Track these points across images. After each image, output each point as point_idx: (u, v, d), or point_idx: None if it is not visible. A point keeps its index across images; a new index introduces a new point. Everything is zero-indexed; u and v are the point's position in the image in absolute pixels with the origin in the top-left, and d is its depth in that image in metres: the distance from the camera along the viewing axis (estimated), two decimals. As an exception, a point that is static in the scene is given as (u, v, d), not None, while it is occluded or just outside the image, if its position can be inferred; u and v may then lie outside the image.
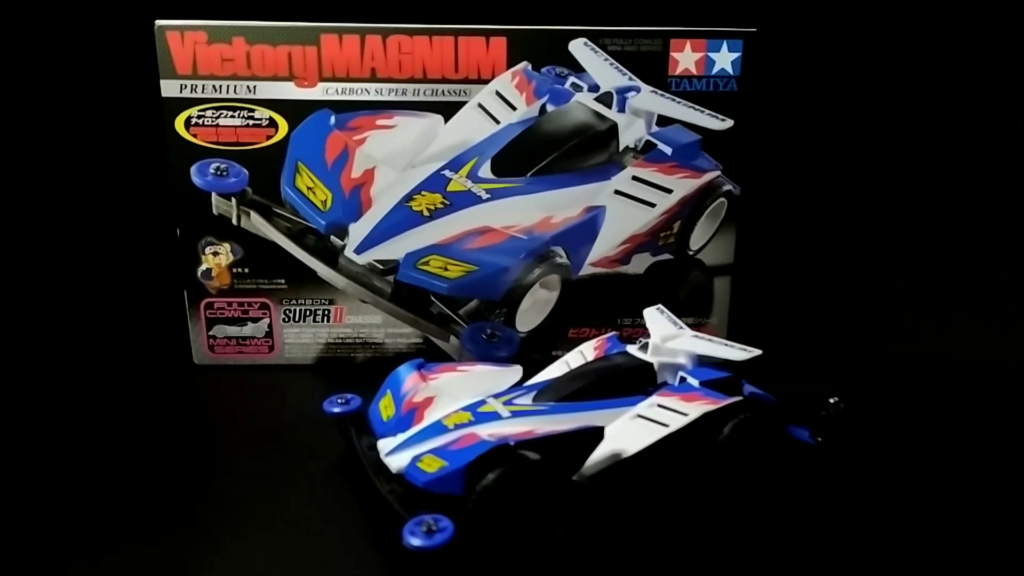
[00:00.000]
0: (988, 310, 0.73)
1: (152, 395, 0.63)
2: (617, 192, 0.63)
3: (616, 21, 0.61)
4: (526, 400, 0.49)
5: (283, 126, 0.61)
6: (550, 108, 0.62)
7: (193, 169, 0.62)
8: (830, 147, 0.74)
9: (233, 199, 0.63)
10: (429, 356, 0.66)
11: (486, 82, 0.61)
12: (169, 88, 0.60)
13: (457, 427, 0.47)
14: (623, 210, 0.64)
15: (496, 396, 0.50)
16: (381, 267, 0.64)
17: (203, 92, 0.60)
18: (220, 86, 0.60)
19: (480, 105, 0.62)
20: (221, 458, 0.56)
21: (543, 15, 0.61)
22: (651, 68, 0.61)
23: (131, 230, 0.77)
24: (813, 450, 0.50)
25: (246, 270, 0.64)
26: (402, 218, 0.63)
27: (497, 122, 0.62)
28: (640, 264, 0.66)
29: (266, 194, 0.63)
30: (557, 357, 0.67)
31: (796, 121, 0.72)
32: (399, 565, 0.42)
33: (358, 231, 0.63)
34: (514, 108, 0.62)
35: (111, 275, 0.80)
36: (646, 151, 0.63)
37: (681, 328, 0.54)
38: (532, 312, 0.66)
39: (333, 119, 0.61)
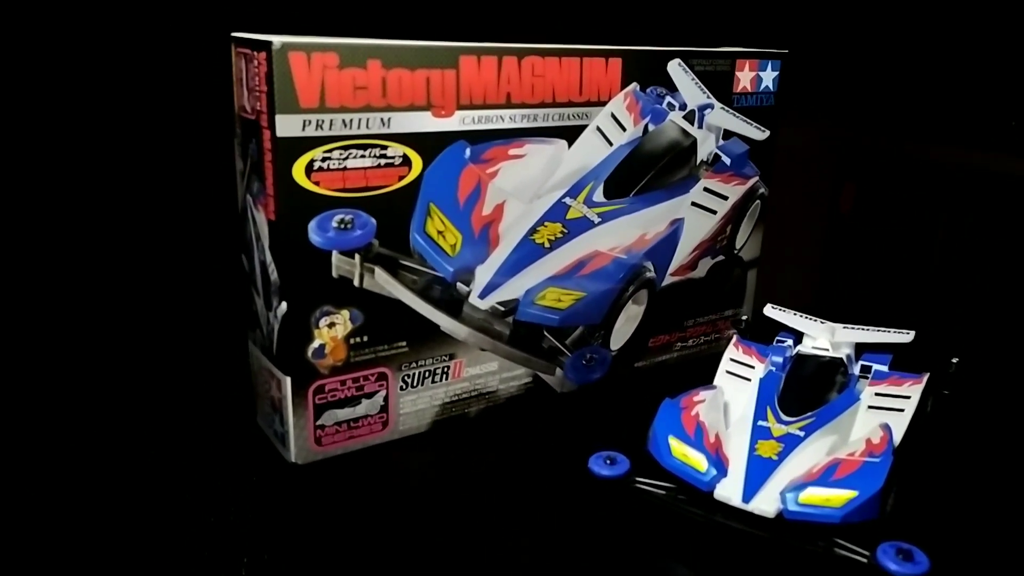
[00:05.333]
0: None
1: (281, 516, 0.49)
2: (693, 204, 0.67)
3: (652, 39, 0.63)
4: (785, 416, 0.51)
5: (417, 164, 0.52)
6: (651, 127, 0.63)
7: (312, 225, 0.49)
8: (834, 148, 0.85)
9: (357, 256, 0.51)
10: (537, 394, 0.63)
11: (603, 104, 0.59)
12: (288, 126, 0.46)
13: (780, 456, 0.47)
14: (695, 219, 0.67)
15: (762, 419, 0.51)
16: (502, 309, 0.58)
17: (330, 128, 0.48)
18: (351, 120, 0.48)
19: (598, 128, 0.59)
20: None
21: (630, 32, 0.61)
22: (720, 86, 0.65)
23: (202, 316, 0.58)
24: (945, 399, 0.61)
25: (364, 338, 0.53)
26: (526, 253, 0.58)
27: (611, 144, 0.61)
28: (703, 268, 0.70)
29: (391, 244, 0.53)
30: (639, 369, 0.69)
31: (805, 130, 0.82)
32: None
33: (484, 273, 0.57)
34: (624, 129, 0.61)
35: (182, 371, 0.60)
36: (713, 163, 0.68)
37: (822, 322, 0.61)
38: (624, 328, 0.66)
39: (468, 151, 0.54)
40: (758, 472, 0.47)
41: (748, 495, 0.46)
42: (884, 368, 0.58)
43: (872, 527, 0.44)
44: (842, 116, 0.87)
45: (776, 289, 0.83)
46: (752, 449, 0.48)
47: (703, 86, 0.64)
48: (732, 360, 0.60)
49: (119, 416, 0.58)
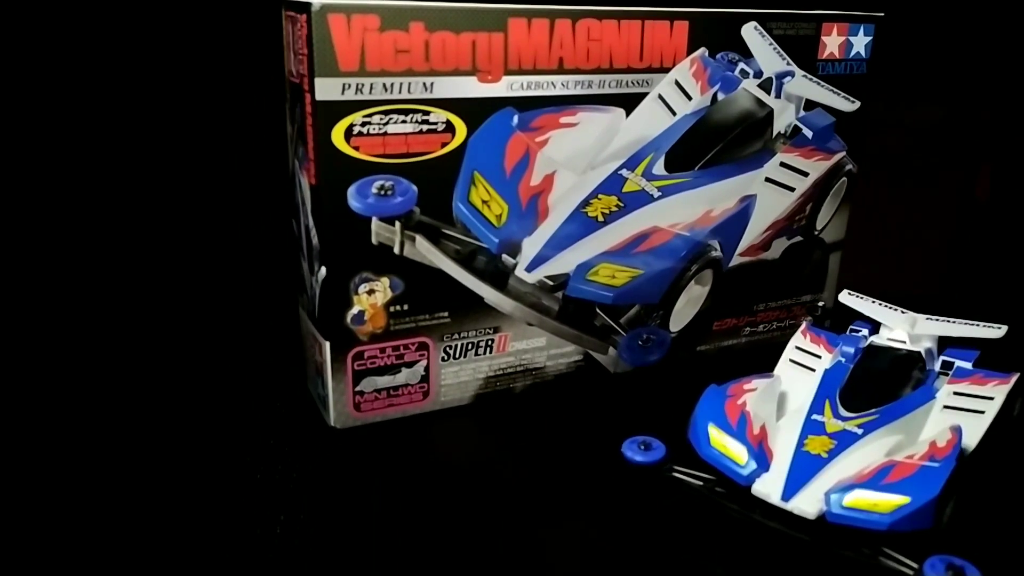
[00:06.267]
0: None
1: (308, 473, 0.50)
2: (767, 179, 0.62)
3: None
4: (844, 412, 0.47)
5: (461, 130, 0.50)
6: (720, 96, 0.59)
7: (352, 190, 0.49)
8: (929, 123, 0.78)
9: (397, 223, 0.51)
10: (588, 373, 0.61)
11: (667, 70, 0.56)
12: (327, 90, 0.46)
13: (831, 453, 0.44)
14: (769, 196, 0.63)
15: (817, 412, 0.47)
16: (551, 283, 0.56)
17: (371, 93, 0.47)
18: (392, 84, 0.48)
19: (660, 96, 0.56)
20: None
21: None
22: (803, 52, 0.61)
23: (251, 272, 0.60)
24: None
25: (404, 307, 0.53)
26: (577, 226, 0.56)
27: (674, 113, 0.57)
28: (777, 249, 0.66)
29: (434, 213, 0.52)
30: (702, 353, 0.66)
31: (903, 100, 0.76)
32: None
33: (531, 246, 0.55)
34: (690, 98, 0.57)
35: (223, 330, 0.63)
36: (792, 136, 0.63)
37: (903, 312, 0.56)
38: (685, 309, 0.63)
39: (516, 119, 0.52)
40: (803, 469, 0.43)
41: (788, 493, 0.42)
42: (968, 365, 0.52)
43: (925, 538, 0.40)
44: (976, 91, 0.79)
45: (896, 278, 0.77)
46: (800, 444, 0.45)
47: (782, 52, 0.60)
48: (798, 348, 0.56)
49: (174, 378, 0.60)
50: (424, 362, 0.55)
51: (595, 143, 0.55)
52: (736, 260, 0.64)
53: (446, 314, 0.54)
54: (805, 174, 0.64)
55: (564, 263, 0.56)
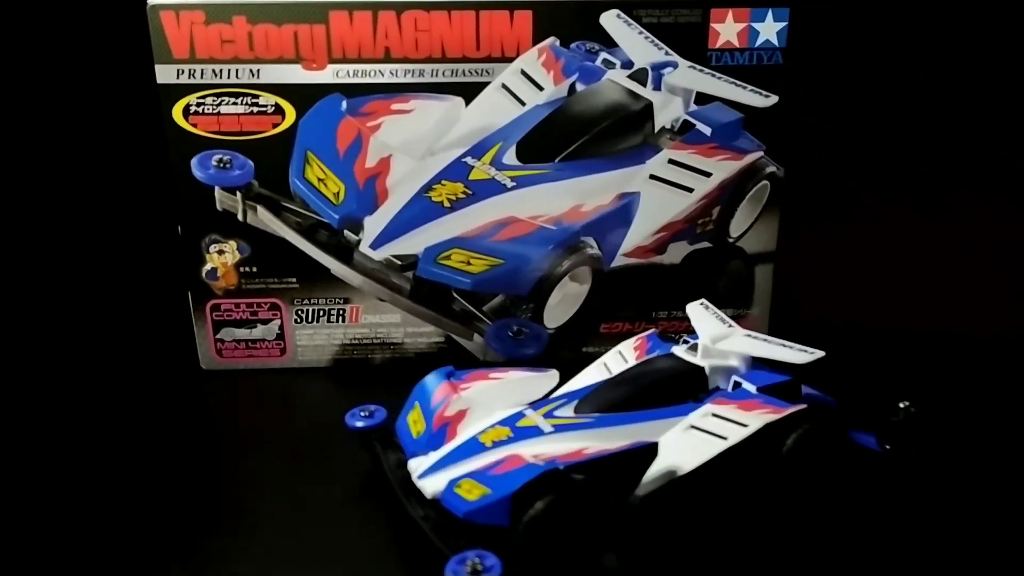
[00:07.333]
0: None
1: (157, 402, 0.59)
2: (652, 177, 0.59)
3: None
4: (567, 411, 0.45)
5: (290, 113, 0.56)
6: (580, 87, 0.57)
7: (194, 161, 0.57)
8: (880, 122, 0.69)
9: (238, 193, 0.58)
10: (452, 355, 0.63)
11: (510, 60, 0.56)
12: (165, 74, 0.55)
13: (496, 444, 0.42)
14: (659, 196, 0.59)
15: (534, 407, 0.46)
16: (399, 263, 0.59)
17: (202, 77, 0.55)
18: (221, 70, 0.55)
19: (504, 85, 0.57)
20: (232, 476, 0.52)
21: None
22: (690, 41, 0.56)
23: (130, 227, 0.73)
24: (880, 458, 0.46)
25: (254, 269, 0.60)
26: (421, 210, 0.58)
27: (523, 104, 0.57)
28: (677, 253, 0.61)
29: (274, 187, 0.58)
30: (588, 355, 0.63)
31: (843, 96, 0.67)
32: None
33: (374, 225, 0.58)
34: (541, 88, 0.57)
35: (111, 276, 0.74)
36: (684, 132, 0.59)
37: (731, 326, 0.50)
38: (562, 307, 0.61)
39: (345, 104, 0.56)
40: (454, 457, 0.42)
41: (425, 475, 0.42)
42: (752, 388, 0.46)
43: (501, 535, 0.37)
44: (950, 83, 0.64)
45: (872, 302, 0.67)
46: (479, 433, 0.44)
47: (658, 41, 0.56)
48: (618, 352, 0.53)
49: (87, 323, 0.69)
50: (278, 321, 0.61)
51: (432, 130, 0.57)
52: (622, 261, 0.61)
53: (294, 280, 0.60)
54: (707, 174, 0.59)
55: (411, 244, 0.59)
